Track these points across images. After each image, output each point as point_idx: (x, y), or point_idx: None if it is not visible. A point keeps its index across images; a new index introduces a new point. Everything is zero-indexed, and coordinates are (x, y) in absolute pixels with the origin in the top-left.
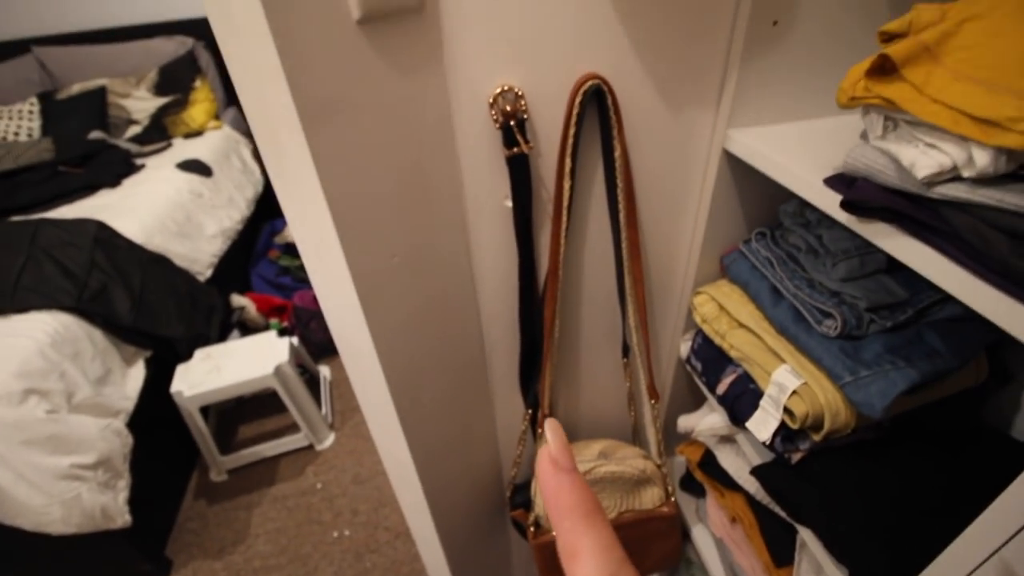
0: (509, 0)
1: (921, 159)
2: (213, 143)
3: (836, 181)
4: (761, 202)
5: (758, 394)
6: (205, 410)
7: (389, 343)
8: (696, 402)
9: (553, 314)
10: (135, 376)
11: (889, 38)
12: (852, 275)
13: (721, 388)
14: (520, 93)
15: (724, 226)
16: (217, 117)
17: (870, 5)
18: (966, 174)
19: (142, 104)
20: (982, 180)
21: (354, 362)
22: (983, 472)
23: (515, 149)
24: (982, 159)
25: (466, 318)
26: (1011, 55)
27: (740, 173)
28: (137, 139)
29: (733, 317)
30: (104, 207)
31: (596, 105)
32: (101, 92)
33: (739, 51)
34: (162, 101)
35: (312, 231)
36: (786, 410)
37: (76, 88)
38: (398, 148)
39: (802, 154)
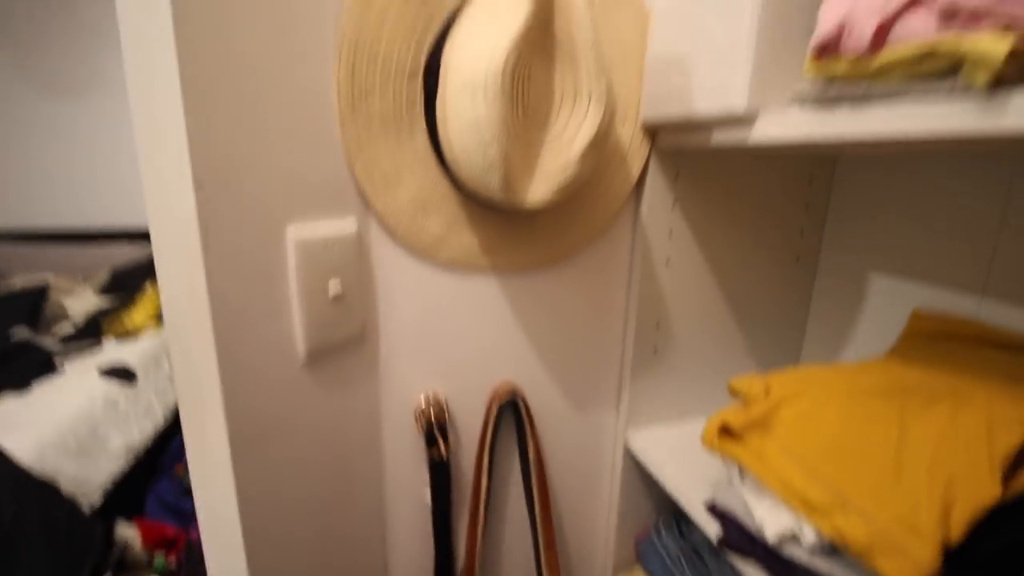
0: (439, 326)
1: (768, 519)
2: (145, 347)
3: (713, 510)
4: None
5: None
6: None
7: None
8: None
9: None
10: None
11: (735, 392)
12: None
13: None
14: (443, 400)
15: (635, 512)
16: (160, 317)
17: (725, 336)
18: (803, 543)
19: (81, 304)
20: (810, 549)
21: None
22: None
23: (435, 452)
24: (810, 536)
25: None
26: (818, 438)
27: (643, 467)
28: (67, 338)
29: None
30: (2, 417)
31: (512, 411)
32: (42, 291)
33: (629, 369)
34: (103, 301)
35: (217, 528)
36: None
37: (18, 283)
38: (323, 455)
39: (683, 460)
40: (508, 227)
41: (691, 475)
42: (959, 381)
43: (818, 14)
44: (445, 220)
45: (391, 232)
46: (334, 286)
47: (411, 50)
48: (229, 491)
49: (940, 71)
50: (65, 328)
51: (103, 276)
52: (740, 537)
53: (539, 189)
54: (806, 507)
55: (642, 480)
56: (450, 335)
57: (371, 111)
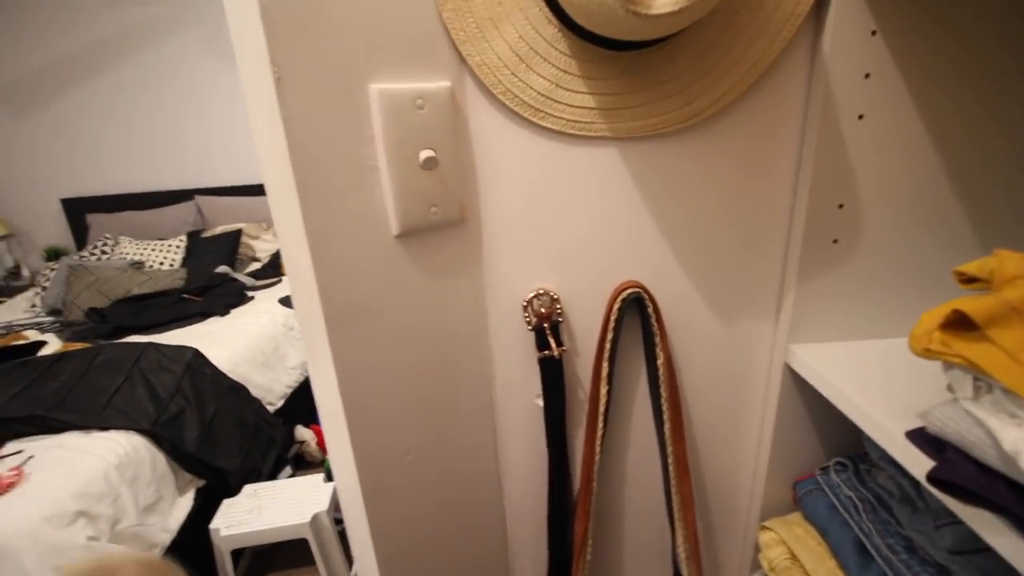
0: (549, 209)
1: (1021, 442)
2: None
3: (920, 438)
4: (840, 424)
5: None
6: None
7: (394, 547)
8: None
9: (585, 532)
10: (182, 506)
11: (967, 279)
12: (962, 547)
13: None
14: (556, 296)
15: (794, 448)
16: None
17: (943, 228)
18: None
19: (266, 245)
20: None
21: (360, 555)
22: None
23: (546, 352)
24: None
25: (488, 525)
26: None
27: (809, 391)
28: (254, 274)
29: (808, 574)
30: (208, 334)
31: (637, 311)
32: (237, 234)
33: (796, 265)
34: None
35: (328, 416)
36: None
37: (219, 229)
38: (425, 345)
39: (872, 385)
40: (632, 75)
41: (883, 399)
42: None
43: None
44: (552, 73)
45: (489, 91)
46: (426, 154)
47: None
48: (329, 372)
49: None
50: (254, 265)
51: None
52: (967, 471)
53: None
54: None
55: (807, 408)
56: (562, 219)
57: None
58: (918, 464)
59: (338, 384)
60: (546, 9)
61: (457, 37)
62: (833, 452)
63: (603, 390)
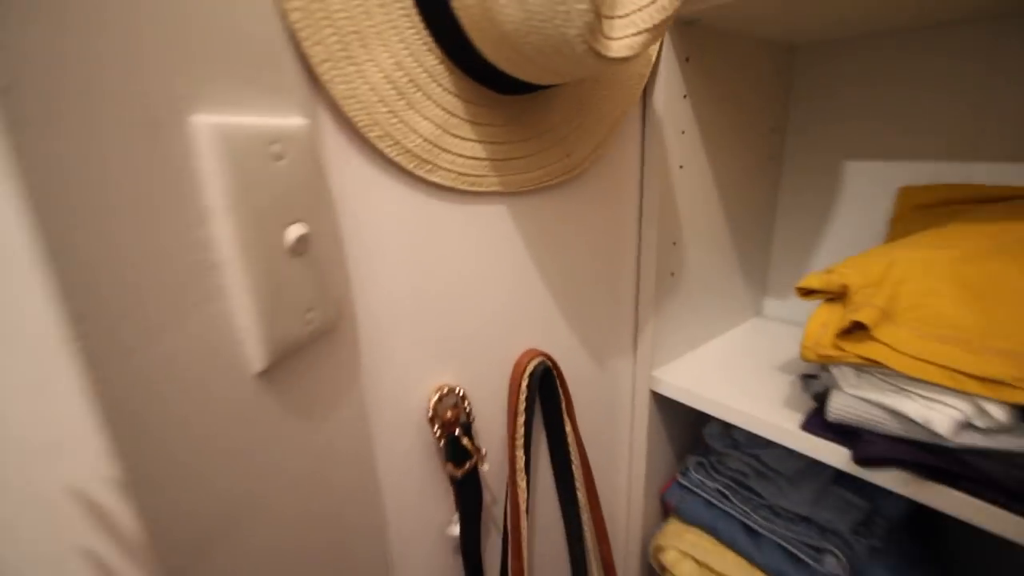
0: (439, 284)
1: (932, 415)
2: None
3: (817, 427)
4: (687, 430)
5: None
6: None
7: None
8: None
9: None
10: None
11: (808, 292)
12: (818, 497)
13: None
14: (460, 393)
15: (659, 463)
16: None
17: (727, 249)
18: (981, 425)
19: None
20: (994, 429)
21: None
22: None
23: (464, 465)
24: (999, 414)
25: None
26: (957, 313)
27: (667, 409)
28: None
29: (720, 574)
30: None
31: (540, 383)
32: None
33: (650, 299)
34: None
35: None
36: None
37: None
38: (313, 534)
39: (734, 387)
40: (518, 124)
41: (749, 399)
42: (1004, 231)
43: None
44: (438, 115)
45: (360, 134)
46: (297, 231)
47: None
48: None
49: None
50: None
51: None
52: (881, 446)
53: (627, 33)
54: (985, 385)
55: (664, 424)
56: (455, 294)
57: None
58: (820, 450)
59: None
60: (424, 32)
61: (311, 52)
62: (680, 457)
63: (521, 485)
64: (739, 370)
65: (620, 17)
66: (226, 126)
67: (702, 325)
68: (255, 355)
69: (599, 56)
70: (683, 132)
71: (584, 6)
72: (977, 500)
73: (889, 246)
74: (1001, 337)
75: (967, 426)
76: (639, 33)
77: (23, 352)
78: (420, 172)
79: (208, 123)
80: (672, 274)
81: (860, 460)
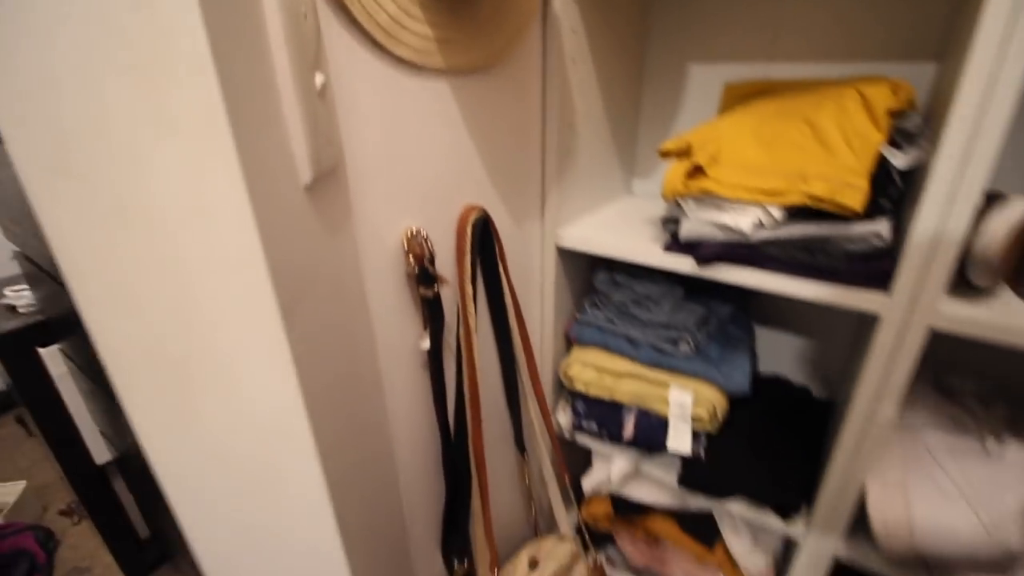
0: (404, 144)
1: (740, 220)
2: None
3: (674, 247)
4: (579, 278)
5: (662, 421)
6: None
7: None
8: (578, 465)
9: (482, 444)
10: None
11: (666, 153)
12: (673, 309)
13: (627, 432)
14: (424, 235)
15: (564, 306)
16: None
17: (605, 131)
18: (767, 224)
19: None
20: (775, 225)
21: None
22: (804, 417)
23: (432, 289)
24: (777, 212)
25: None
26: (759, 154)
27: (566, 260)
28: None
29: (613, 372)
30: None
31: (480, 233)
32: None
33: (554, 172)
34: None
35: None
36: (693, 418)
37: None
38: (339, 313)
39: (616, 233)
40: (456, 15)
41: (635, 241)
42: (801, 102)
43: None
44: None
45: (343, 6)
46: (321, 78)
47: None
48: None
49: None
50: None
51: None
52: (713, 249)
53: None
54: (771, 195)
55: (567, 276)
56: (415, 153)
57: None
58: (674, 263)
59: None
60: None
61: None
62: (577, 302)
63: (471, 310)
64: (620, 226)
65: None
66: None
67: (590, 196)
68: (303, 170)
69: None
70: (574, 31)
71: None
72: (768, 274)
73: (717, 118)
74: (780, 168)
75: (760, 226)
76: None
77: None
78: (387, 44)
79: None
80: (568, 151)
81: (700, 259)
